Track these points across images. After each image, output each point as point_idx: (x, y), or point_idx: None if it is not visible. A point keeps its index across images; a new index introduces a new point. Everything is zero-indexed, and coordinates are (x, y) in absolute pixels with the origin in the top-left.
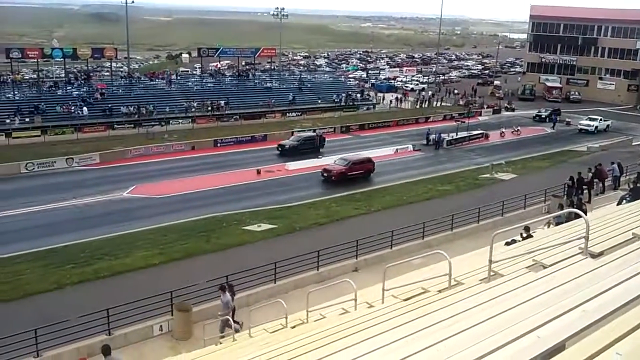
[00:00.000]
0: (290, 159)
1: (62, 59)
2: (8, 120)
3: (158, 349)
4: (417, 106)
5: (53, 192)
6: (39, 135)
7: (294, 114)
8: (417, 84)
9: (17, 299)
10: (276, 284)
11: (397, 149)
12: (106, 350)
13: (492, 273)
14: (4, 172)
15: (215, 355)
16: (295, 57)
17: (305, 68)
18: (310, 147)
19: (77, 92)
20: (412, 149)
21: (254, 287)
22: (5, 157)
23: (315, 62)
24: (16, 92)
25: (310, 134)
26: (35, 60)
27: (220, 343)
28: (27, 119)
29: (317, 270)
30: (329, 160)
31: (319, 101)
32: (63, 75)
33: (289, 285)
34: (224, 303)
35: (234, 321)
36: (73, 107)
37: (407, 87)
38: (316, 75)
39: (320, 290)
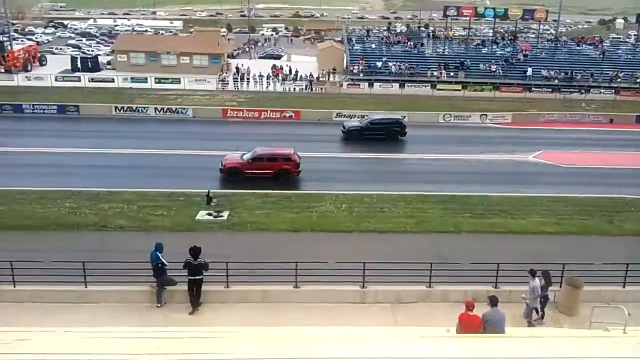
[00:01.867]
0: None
1: (492, 19)
2: (436, 73)
3: None
4: None
5: (463, 144)
6: (459, 90)
7: None
8: None
9: (419, 232)
10: None
11: None
12: (494, 300)
13: None
14: (424, 120)
15: (600, 340)
16: None
17: None
18: (382, 133)
19: (501, 52)
20: None
21: None
22: (427, 106)
23: None
24: (445, 48)
25: (387, 116)
26: (468, 18)
27: (607, 330)
28: (451, 74)
29: None
30: None
31: None
32: (491, 34)
33: None
34: (530, 289)
35: (542, 311)
36: (494, 67)
37: None
38: None
39: None
